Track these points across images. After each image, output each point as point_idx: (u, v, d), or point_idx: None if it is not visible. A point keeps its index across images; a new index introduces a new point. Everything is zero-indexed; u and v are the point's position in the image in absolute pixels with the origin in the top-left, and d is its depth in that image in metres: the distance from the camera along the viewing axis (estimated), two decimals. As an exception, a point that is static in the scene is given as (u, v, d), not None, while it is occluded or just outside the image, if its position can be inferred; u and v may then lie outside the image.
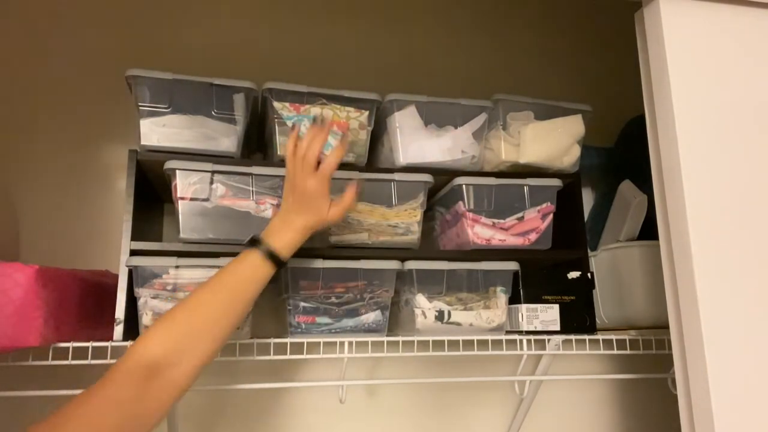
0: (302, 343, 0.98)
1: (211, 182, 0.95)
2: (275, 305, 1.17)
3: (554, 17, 1.55)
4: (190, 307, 0.73)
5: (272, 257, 0.79)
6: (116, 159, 1.21)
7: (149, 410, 0.65)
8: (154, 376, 0.66)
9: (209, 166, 0.95)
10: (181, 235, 0.93)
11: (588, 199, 1.43)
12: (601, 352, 1.09)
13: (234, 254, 0.93)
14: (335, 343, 0.98)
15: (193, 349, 0.70)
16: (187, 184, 0.94)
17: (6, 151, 1.17)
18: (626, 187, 1.20)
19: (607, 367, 1.40)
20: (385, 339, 1.00)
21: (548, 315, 1.04)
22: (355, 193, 0.87)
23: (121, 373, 0.65)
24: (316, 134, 0.83)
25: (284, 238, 0.81)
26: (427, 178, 1.03)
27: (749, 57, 0.82)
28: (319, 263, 0.96)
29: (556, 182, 1.09)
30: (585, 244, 1.13)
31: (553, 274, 1.07)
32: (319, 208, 0.83)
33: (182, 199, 0.93)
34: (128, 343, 0.90)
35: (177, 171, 0.94)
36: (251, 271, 0.78)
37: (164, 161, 0.94)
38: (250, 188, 0.96)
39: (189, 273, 0.92)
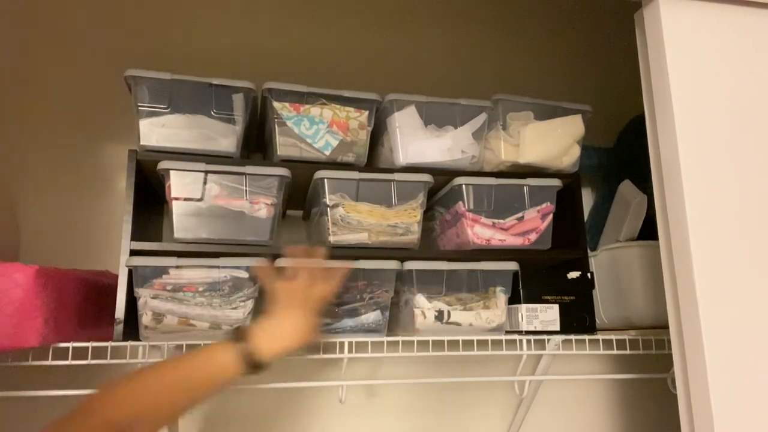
0: (302, 343, 0.98)
1: (205, 182, 0.94)
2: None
3: (554, 17, 1.54)
4: (159, 382, 0.71)
5: (251, 362, 0.73)
6: (116, 159, 1.21)
7: None
8: None
9: (202, 166, 0.94)
10: (176, 235, 0.93)
11: (588, 199, 1.43)
12: (601, 352, 1.09)
13: (230, 254, 0.94)
14: (335, 343, 0.98)
15: (150, 420, 0.70)
16: (181, 184, 0.94)
17: (6, 151, 1.17)
18: (626, 187, 1.20)
19: (607, 367, 1.40)
20: (385, 339, 1.00)
21: (548, 315, 1.03)
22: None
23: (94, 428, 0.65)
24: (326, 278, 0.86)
25: (274, 346, 0.75)
26: (427, 178, 1.03)
27: (749, 57, 0.82)
28: (319, 263, 0.96)
29: (556, 182, 1.09)
30: (585, 244, 1.12)
31: (553, 274, 1.07)
32: (306, 334, 0.80)
33: (176, 199, 0.93)
34: (128, 343, 0.90)
35: (171, 171, 0.94)
36: (221, 369, 0.73)
37: (164, 161, 0.94)
38: (244, 188, 0.96)
39: (189, 273, 0.92)
